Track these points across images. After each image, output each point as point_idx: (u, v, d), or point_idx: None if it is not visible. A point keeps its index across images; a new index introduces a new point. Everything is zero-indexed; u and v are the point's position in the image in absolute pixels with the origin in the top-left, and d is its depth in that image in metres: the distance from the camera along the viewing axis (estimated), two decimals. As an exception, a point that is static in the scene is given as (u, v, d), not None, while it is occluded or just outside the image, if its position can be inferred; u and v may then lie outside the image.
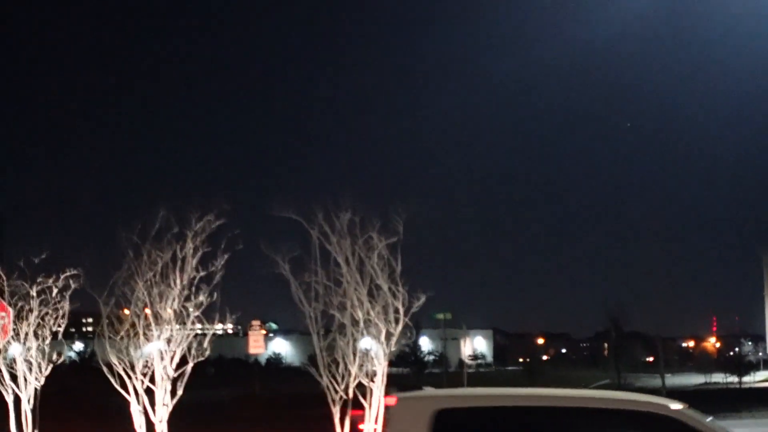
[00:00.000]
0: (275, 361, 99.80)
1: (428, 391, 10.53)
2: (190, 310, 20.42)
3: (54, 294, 21.16)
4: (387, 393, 10.49)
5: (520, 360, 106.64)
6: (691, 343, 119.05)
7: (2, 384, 21.41)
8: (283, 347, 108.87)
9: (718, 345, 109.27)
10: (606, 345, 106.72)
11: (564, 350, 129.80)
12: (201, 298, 20.34)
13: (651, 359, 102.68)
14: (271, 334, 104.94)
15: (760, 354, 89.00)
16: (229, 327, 60.02)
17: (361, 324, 20.86)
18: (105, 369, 20.24)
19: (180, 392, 20.18)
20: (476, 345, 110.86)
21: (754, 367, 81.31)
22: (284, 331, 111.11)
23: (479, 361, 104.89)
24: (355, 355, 20.77)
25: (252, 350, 44.06)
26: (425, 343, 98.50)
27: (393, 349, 21.35)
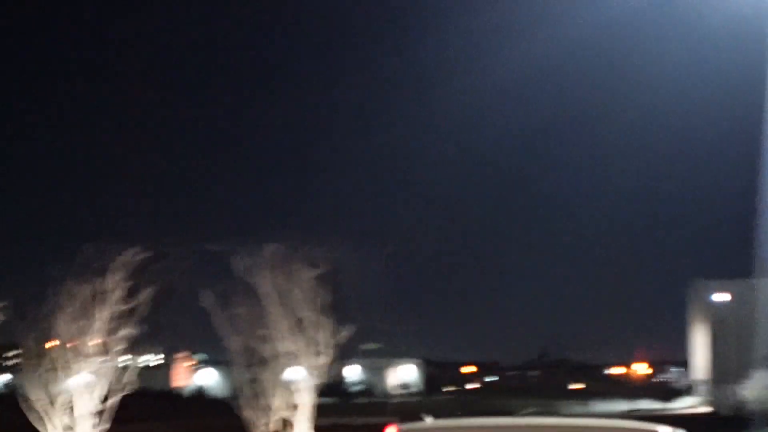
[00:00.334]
0: (201, 393, 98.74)
1: (429, 421, 10.46)
2: (114, 343, 20.21)
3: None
4: (388, 423, 10.30)
5: (449, 389, 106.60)
6: (620, 370, 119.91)
7: None
8: (211, 379, 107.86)
9: (645, 372, 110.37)
10: (535, 373, 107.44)
11: (494, 378, 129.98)
12: (125, 331, 20.15)
13: (580, 386, 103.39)
14: (199, 366, 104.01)
15: (686, 380, 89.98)
16: (156, 359, 59.31)
17: (286, 356, 20.79)
18: (24, 404, 19.92)
19: (104, 426, 19.93)
20: (405, 374, 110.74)
21: (680, 393, 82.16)
22: (213, 362, 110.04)
23: (408, 390, 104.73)
24: (279, 387, 20.68)
25: (178, 382, 43.78)
26: (353, 373, 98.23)
27: (319, 381, 21.29)
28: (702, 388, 75.98)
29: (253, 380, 21.13)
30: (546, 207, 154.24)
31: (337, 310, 21.23)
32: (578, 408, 66.13)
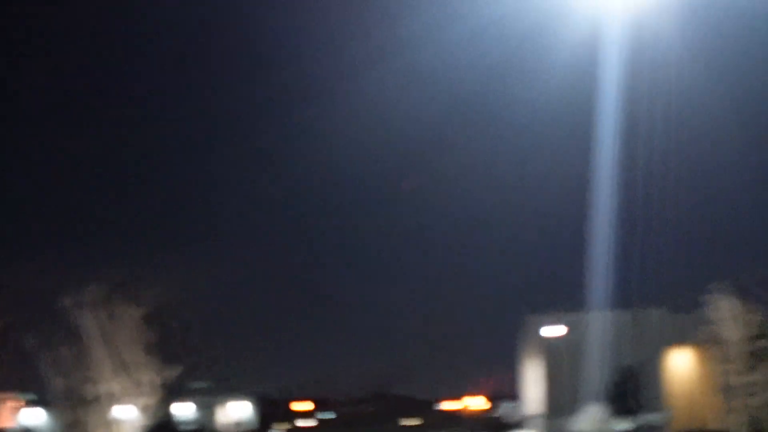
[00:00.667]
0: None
1: None
2: None
3: None
4: None
5: (283, 426, 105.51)
6: (454, 405, 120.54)
7: None
8: (38, 419, 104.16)
9: (479, 406, 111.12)
10: (370, 408, 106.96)
11: (330, 415, 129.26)
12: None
13: (415, 422, 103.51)
14: (26, 406, 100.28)
15: (519, 414, 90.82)
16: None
17: (111, 396, 19.71)
18: None
19: None
20: (238, 411, 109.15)
21: (513, 427, 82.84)
22: (41, 402, 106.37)
23: (241, 427, 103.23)
24: (105, 427, 19.58)
25: (2, 423, 41.88)
26: (185, 411, 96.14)
27: (148, 420, 20.29)
28: (535, 422, 76.67)
29: (78, 421, 19.96)
30: (373, 241, 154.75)
31: (164, 349, 20.28)
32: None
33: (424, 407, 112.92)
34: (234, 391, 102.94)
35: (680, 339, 50.86)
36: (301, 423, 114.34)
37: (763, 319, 23.07)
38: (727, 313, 22.63)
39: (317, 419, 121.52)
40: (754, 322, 22.86)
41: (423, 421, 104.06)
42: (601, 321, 52.91)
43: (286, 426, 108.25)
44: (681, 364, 69.02)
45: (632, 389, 53.17)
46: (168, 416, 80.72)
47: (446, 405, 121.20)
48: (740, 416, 22.92)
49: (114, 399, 19.86)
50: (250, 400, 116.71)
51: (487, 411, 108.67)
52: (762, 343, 23.05)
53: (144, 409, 20.01)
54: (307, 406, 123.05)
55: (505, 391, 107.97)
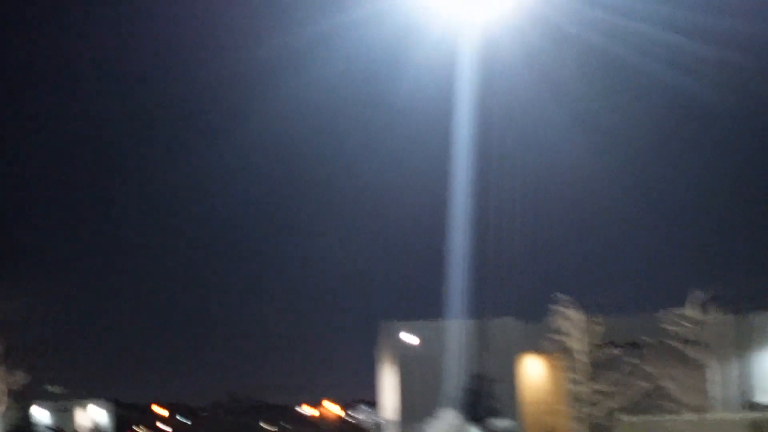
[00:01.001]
0: None
1: None
2: None
3: None
4: None
5: (139, 430, 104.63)
6: (312, 411, 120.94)
7: None
8: None
9: (336, 412, 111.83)
10: (227, 415, 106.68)
11: (186, 420, 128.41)
12: None
13: (272, 428, 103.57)
14: None
15: (375, 420, 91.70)
16: None
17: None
18: None
19: None
20: (94, 416, 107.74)
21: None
22: None
23: (99, 431, 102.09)
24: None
25: None
26: (40, 416, 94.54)
27: (4, 425, 20.23)
28: (390, 428, 77.53)
29: None
30: (234, 251, 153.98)
31: (11, 357, 20.25)
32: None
33: (282, 413, 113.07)
34: (91, 395, 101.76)
35: (531, 348, 52.20)
36: (161, 426, 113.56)
37: (606, 330, 24.10)
38: (571, 323, 23.60)
39: (175, 424, 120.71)
40: (597, 333, 23.87)
41: (281, 427, 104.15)
42: (455, 329, 53.90)
43: (144, 430, 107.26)
44: (532, 372, 70.72)
45: (485, 396, 54.28)
46: (26, 420, 79.45)
47: (305, 410, 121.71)
48: (584, 424, 23.90)
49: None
50: (107, 405, 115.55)
51: (343, 416, 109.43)
52: (604, 353, 24.09)
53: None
54: (165, 411, 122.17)
55: (363, 397, 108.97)
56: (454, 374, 52.31)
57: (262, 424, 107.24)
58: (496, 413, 67.60)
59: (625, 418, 23.84)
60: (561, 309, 23.58)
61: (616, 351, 24.41)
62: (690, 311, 19.49)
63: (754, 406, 57.07)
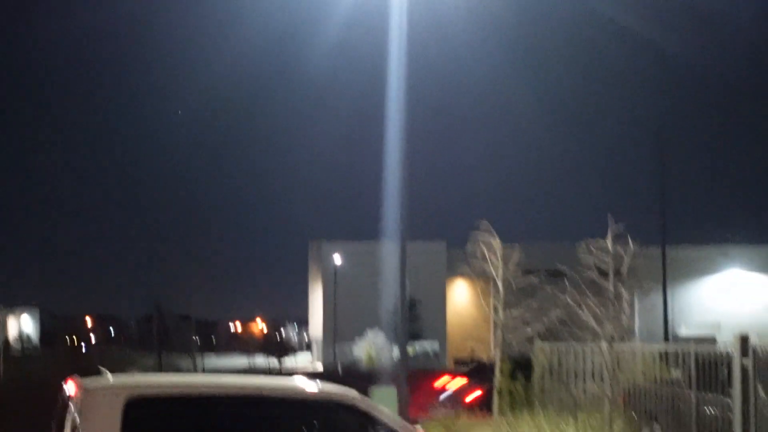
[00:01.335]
0: None
1: (118, 377, 9.56)
2: None
3: None
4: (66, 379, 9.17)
5: (69, 342, 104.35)
6: (240, 326, 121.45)
7: None
8: None
9: (264, 328, 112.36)
10: (153, 327, 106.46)
11: (114, 332, 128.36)
12: None
13: (200, 341, 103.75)
14: None
15: (303, 337, 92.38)
16: None
17: None
18: None
19: None
20: (22, 325, 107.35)
21: (295, 350, 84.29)
22: None
23: (30, 342, 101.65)
24: None
25: None
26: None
27: None
28: (319, 345, 78.18)
29: None
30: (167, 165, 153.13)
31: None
32: (201, 362, 66.50)
33: (210, 328, 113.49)
34: (25, 306, 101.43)
35: (458, 273, 52.71)
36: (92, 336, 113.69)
37: (526, 258, 24.32)
38: (492, 250, 23.78)
39: (104, 335, 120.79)
40: (517, 261, 24.09)
41: (209, 341, 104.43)
42: (383, 251, 54.35)
43: (72, 340, 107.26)
44: (458, 297, 71.56)
45: (411, 318, 55.01)
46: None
47: (233, 326, 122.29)
48: (502, 349, 24.22)
49: None
50: (37, 315, 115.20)
51: (272, 333, 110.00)
52: (523, 280, 24.33)
53: None
54: (96, 323, 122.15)
55: (292, 314, 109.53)
56: (381, 296, 52.67)
57: (190, 337, 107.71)
58: (421, 335, 68.45)
59: (541, 344, 24.18)
60: (483, 235, 23.72)
61: (534, 279, 24.60)
62: (607, 242, 19.69)
63: (676, 339, 58.30)
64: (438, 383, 30.72)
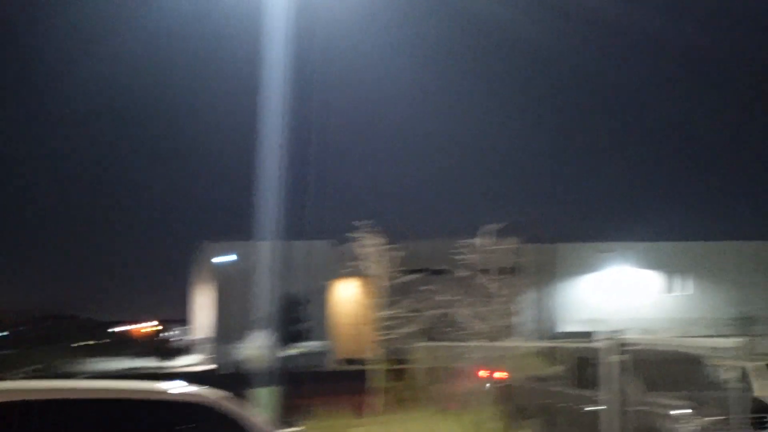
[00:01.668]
0: None
1: None
2: None
3: None
4: None
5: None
6: (126, 328, 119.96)
7: None
8: None
9: (150, 330, 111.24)
10: (44, 328, 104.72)
11: (3, 333, 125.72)
12: None
13: (86, 343, 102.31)
14: None
15: (189, 339, 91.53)
16: None
17: None
18: None
19: None
20: None
21: (182, 351, 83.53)
22: None
23: None
24: None
25: None
26: None
27: None
28: (205, 347, 77.60)
29: None
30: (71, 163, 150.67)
31: None
32: (85, 366, 65.59)
33: (96, 330, 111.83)
34: None
35: (342, 272, 52.81)
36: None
37: (404, 257, 24.53)
38: (373, 249, 23.94)
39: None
40: (396, 259, 24.27)
41: (95, 342, 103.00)
42: (270, 250, 54.12)
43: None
44: (343, 296, 71.66)
45: (297, 318, 54.79)
46: None
47: (119, 328, 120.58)
48: (383, 348, 24.39)
49: None
50: None
51: (157, 334, 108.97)
52: (401, 279, 24.53)
53: None
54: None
55: (177, 316, 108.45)
56: (266, 296, 52.42)
57: (77, 339, 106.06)
58: (306, 335, 68.34)
59: (418, 343, 24.39)
60: (364, 234, 23.86)
61: (412, 277, 24.82)
62: (480, 240, 19.97)
63: (555, 336, 59.22)
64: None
